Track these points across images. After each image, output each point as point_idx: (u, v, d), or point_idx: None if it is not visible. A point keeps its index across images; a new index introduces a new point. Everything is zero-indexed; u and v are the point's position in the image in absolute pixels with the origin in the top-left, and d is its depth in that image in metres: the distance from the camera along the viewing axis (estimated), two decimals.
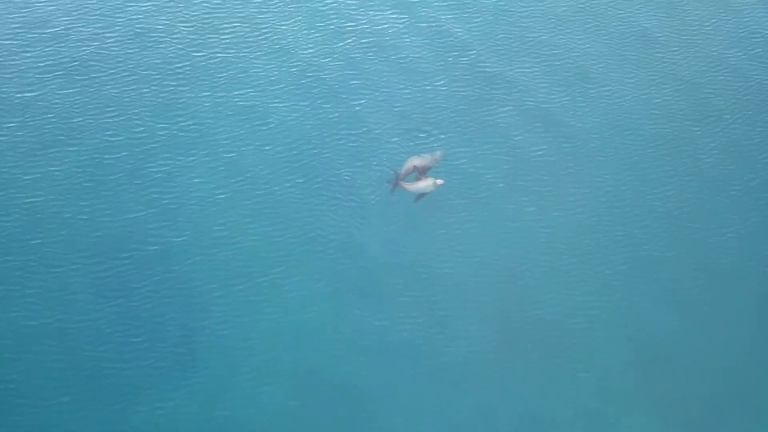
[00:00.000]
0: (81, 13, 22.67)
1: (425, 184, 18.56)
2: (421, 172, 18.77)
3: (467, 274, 18.23)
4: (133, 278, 17.51)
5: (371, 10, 23.68)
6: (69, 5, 22.84)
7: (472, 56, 22.65)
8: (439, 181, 18.51)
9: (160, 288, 17.40)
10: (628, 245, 19.08)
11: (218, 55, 21.97)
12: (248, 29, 22.78)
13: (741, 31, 24.49)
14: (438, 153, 19.23)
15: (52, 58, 21.48)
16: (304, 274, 17.82)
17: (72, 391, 15.96)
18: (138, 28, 22.44)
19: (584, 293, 18.16)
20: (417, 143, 20.35)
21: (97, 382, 16.13)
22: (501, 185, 19.87)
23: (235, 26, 22.84)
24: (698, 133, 21.62)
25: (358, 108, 21.12)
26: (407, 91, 21.67)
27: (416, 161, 18.89)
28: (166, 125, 20.22)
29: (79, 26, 22.28)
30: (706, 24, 24.51)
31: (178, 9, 23.08)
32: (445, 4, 24.10)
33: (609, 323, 17.80)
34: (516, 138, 20.82)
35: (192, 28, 22.45)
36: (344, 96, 21.28)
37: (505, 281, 18.16)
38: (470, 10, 23.98)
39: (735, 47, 23.97)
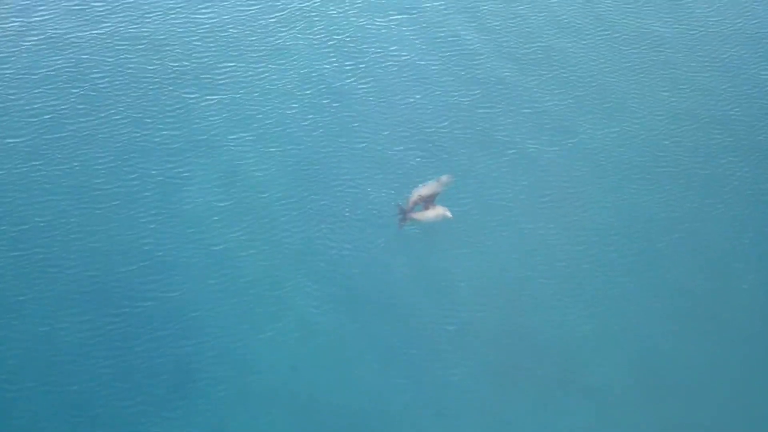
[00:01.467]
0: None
1: (435, 213, 18.14)
2: (429, 200, 18.34)
3: (472, 298, 17.90)
4: (127, 318, 17.10)
5: (385, 28, 23.45)
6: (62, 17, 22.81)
7: (483, 77, 22.47)
8: (448, 214, 18.05)
9: (154, 323, 17.02)
10: (636, 265, 18.74)
11: (216, 96, 21.49)
12: (257, 49, 22.53)
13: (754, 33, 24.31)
14: (444, 177, 18.66)
15: (39, 99, 20.99)
16: (304, 300, 17.52)
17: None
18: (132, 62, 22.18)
19: (590, 316, 17.82)
20: (423, 167, 19.99)
21: (90, 422, 15.74)
22: (507, 207, 19.57)
23: (247, 45, 22.62)
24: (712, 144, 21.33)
25: (360, 145, 20.68)
26: (410, 123, 21.30)
27: (422, 190, 18.42)
28: (157, 168, 19.79)
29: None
30: (714, 27, 24.40)
31: (186, 22, 22.95)
32: (460, 24, 23.89)
33: (613, 346, 17.44)
34: (524, 161, 20.55)
35: (188, 67, 22.04)
36: (342, 135, 20.82)
37: (510, 304, 17.83)
38: (485, 31, 23.78)
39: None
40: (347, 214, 18.99)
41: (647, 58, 23.33)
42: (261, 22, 23.30)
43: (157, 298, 17.33)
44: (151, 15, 23.19)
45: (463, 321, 17.53)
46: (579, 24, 24.13)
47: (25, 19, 22.65)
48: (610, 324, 17.69)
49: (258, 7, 23.79)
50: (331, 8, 23.92)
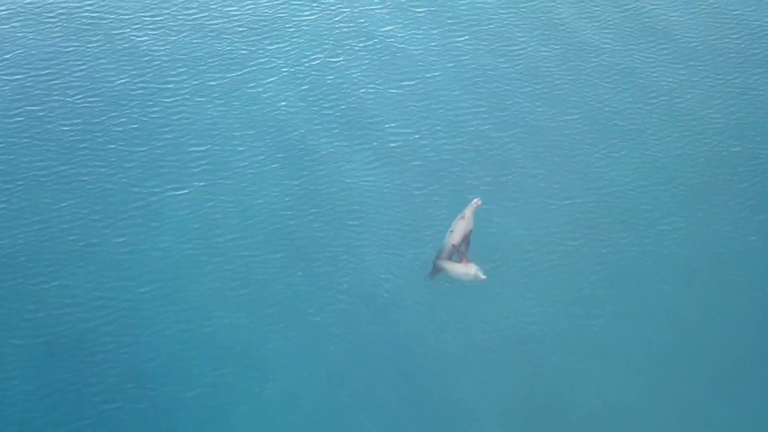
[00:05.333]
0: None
1: (465, 270, 15.80)
2: (466, 242, 16.16)
3: (486, 356, 15.64)
4: (83, 383, 14.95)
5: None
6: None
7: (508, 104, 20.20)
8: (481, 275, 15.66)
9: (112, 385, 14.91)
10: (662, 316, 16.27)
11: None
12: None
13: None
14: (467, 211, 16.30)
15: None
16: (294, 360, 15.35)
17: None
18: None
19: (616, 379, 15.45)
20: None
21: None
22: (524, 251, 17.12)
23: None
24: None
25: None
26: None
27: (456, 235, 16.06)
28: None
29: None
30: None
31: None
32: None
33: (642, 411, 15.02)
34: (541, 198, 18.21)
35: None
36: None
37: (529, 361, 15.61)
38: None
39: None
40: (350, 275, 16.52)
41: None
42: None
43: (119, 360, 15.26)
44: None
45: (476, 385, 15.21)
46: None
47: None
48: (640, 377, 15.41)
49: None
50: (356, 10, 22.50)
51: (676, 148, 18.95)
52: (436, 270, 15.98)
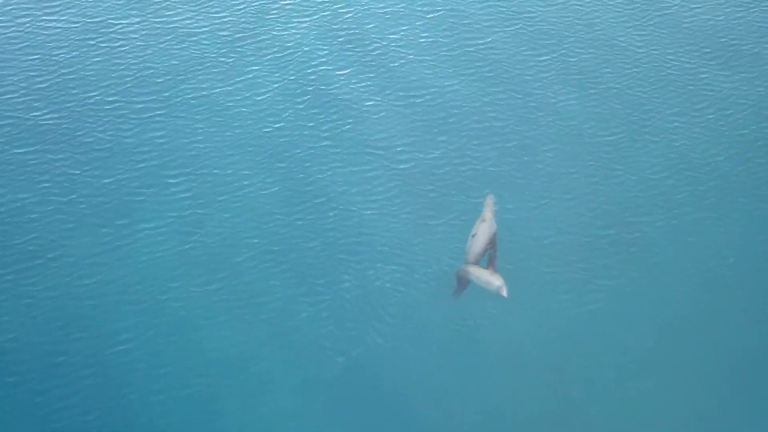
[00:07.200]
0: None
1: (490, 279, 15.02)
2: (492, 248, 15.34)
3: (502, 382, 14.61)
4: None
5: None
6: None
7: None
8: (503, 293, 14.84)
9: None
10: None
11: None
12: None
13: None
14: (487, 213, 15.49)
15: None
16: (281, 386, 14.24)
17: None
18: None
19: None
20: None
21: None
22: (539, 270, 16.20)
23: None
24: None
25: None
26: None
27: (480, 239, 15.14)
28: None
29: None
30: None
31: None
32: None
33: None
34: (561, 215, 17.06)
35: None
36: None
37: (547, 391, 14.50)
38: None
39: None
40: (347, 284, 15.59)
41: None
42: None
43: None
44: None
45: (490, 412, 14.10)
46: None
47: None
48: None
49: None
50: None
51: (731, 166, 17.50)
52: (462, 284, 15.17)
